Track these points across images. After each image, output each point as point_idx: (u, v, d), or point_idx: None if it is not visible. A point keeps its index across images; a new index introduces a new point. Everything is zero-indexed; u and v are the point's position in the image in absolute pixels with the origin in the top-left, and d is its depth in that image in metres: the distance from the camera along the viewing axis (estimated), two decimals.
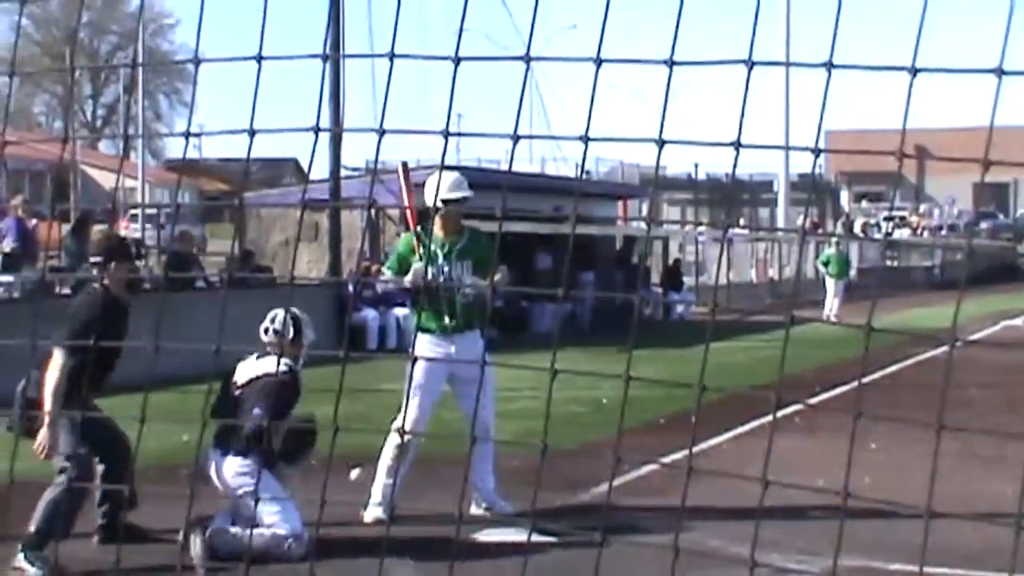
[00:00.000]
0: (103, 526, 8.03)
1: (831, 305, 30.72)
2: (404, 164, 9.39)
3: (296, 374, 7.93)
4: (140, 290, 8.24)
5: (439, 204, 8.75)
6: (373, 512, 8.71)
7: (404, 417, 8.63)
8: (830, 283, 31.55)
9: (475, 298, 8.99)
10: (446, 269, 8.96)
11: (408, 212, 9.07)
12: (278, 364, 7.84)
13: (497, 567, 7.53)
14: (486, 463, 8.91)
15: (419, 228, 9.02)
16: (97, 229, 24.18)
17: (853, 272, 36.24)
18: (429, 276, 8.93)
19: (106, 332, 7.42)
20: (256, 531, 7.28)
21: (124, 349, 7.41)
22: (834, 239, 35.85)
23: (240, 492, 7.65)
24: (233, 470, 7.69)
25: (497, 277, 8.80)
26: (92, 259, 8.28)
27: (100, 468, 7.98)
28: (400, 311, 22.65)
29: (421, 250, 8.88)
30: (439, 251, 8.97)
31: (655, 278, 34.29)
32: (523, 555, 7.23)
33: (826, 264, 32.20)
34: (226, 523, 7.70)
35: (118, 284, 7.97)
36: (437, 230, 8.99)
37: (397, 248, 9.29)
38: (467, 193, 9.11)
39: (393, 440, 8.78)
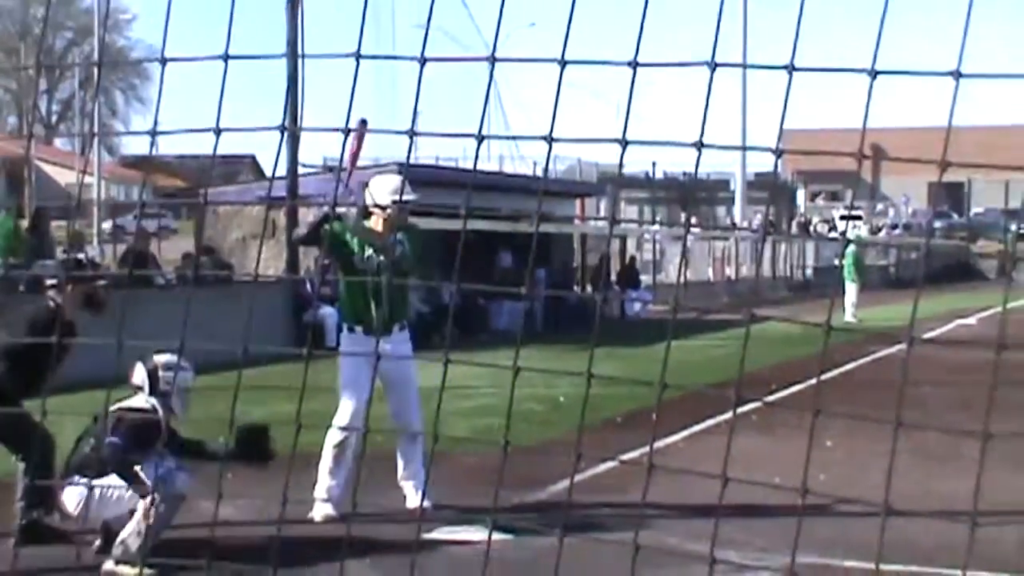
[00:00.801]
0: (24, 527, 7.82)
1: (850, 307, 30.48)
2: (364, 121, 9.12)
3: (154, 411, 7.66)
4: (102, 308, 8.12)
5: (390, 203, 8.84)
6: (322, 509, 8.70)
7: (338, 416, 8.71)
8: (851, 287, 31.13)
9: (398, 296, 9.02)
10: (374, 265, 8.98)
11: (352, 161, 9.00)
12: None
13: (456, 565, 7.53)
14: (417, 463, 8.94)
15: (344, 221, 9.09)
16: (56, 225, 24.03)
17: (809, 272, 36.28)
18: (356, 265, 8.96)
19: (43, 349, 7.35)
20: (134, 520, 7.28)
21: (60, 362, 7.35)
22: (850, 238, 35.22)
23: (95, 510, 7.51)
24: (72, 501, 7.48)
25: (399, 250, 8.89)
26: (48, 280, 8.23)
27: (21, 467, 7.90)
28: None
29: (354, 241, 8.96)
30: (369, 247, 8.98)
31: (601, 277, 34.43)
32: (482, 553, 7.24)
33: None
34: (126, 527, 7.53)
35: (72, 305, 7.96)
36: (375, 228, 9.00)
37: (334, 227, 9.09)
38: (414, 195, 9.26)
39: (331, 439, 8.79)
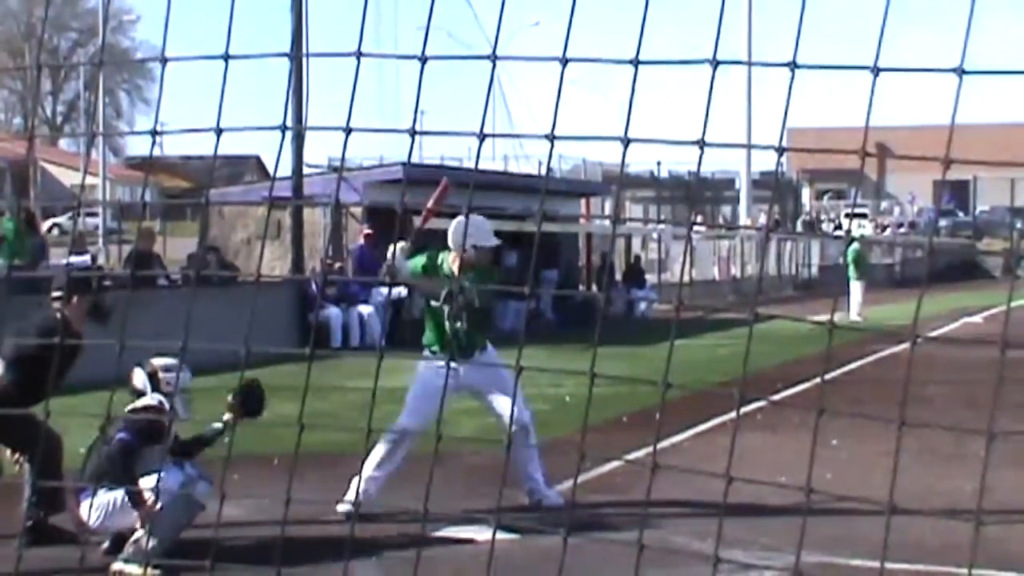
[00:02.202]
0: (30, 528, 7.85)
1: (855, 305, 30.13)
2: (447, 181, 9.38)
3: (163, 406, 7.69)
4: (108, 318, 8.18)
5: (474, 246, 9.04)
6: (344, 507, 8.71)
7: (400, 420, 8.83)
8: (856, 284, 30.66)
9: (472, 327, 9.08)
10: (457, 296, 9.09)
11: (426, 215, 9.18)
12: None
13: (460, 565, 7.53)
14: (533, 461, 9.00)
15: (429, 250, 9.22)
16: (51, 222, 23.96)
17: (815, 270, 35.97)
18: (442, 298, 9.08)
19: (51, 358, 7.35)
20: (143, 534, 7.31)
21: (65, 372, 7.43)
22: (854, 235, 34.80)
23: (107, 521, 7.51)
24: (90, 511, 7.47)
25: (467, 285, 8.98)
26: (54, 292, 8.25)
27: (28, 467, 7.91)
28: (364, 308, 22.59)
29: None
30: (447, 287, 9.15)
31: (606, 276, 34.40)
32: (486, 553, 7.24)
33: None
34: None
35: (78, 317, 8.01)
36: (452, 263, 9.12)
37: (421, 259, 9.34)
38: (496, 242, 9.32)
39: (385, 442, 8.82)
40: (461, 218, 9.42)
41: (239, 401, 7.86)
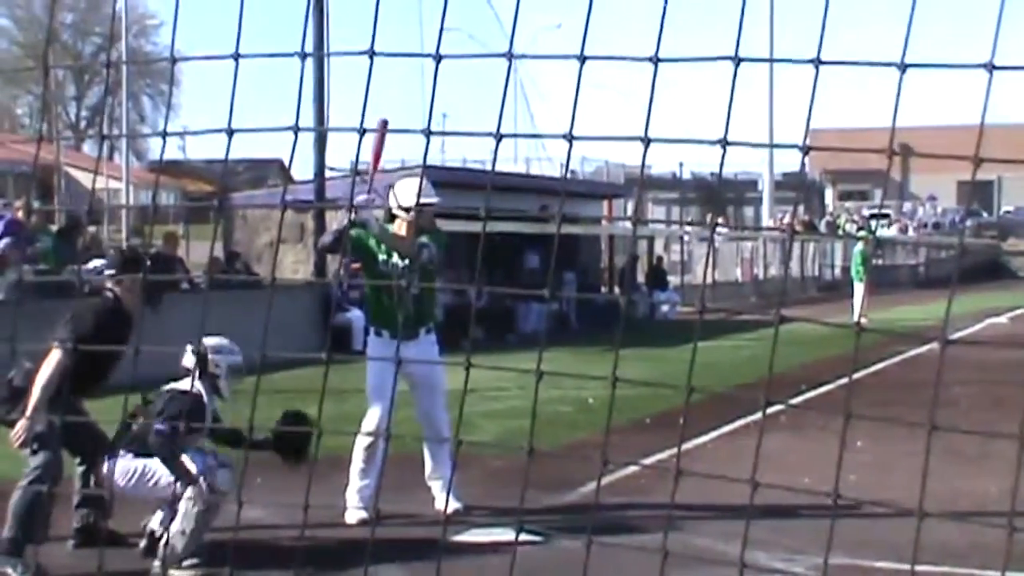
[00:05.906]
0: (79, 530, 7.95)
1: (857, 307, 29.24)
2: (385, 122, 9.04)
3: (203, 397, 7.73)
4: (160, 300, 8.17)
5: (411, 207, 8.82)
6: (355, 514, 8.71)
7: (366, 420, 8.78)
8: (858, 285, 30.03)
9: (424, 300, 9.00)
10: (398, 269, 8.97)
11: (374, 163, 9.06)
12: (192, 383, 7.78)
13: (483, 568, 7.51)
14: (444, 455, 8.95)
15: (377, 227, 9.00)
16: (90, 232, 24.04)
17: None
18: (379, 270, 8.99)
19: (107, 340, 7.28)
20: (178, 520, 7.39)
21: (121, 358, 7.45)
22: (859, 237, 34.35)
23: (132, 487, 7.52)
24: (118, 471, 7.51)
25: (425, 254, 8.86)
26: (107, 271, 8.21)
27: (79, 470, 7.95)
28: None
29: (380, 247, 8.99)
30: (393, 251, 9.00)
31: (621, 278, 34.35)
32: (509, 555, 7.22)
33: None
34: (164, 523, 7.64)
35: (130, 295, 7.92)
36: (399, 232, 9.00)
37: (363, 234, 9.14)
38: (437, 199, 9.23)
39: (360, 443, 8.81)
40: (402, 179, 9.34)
41: (277, 438, 7.81)
